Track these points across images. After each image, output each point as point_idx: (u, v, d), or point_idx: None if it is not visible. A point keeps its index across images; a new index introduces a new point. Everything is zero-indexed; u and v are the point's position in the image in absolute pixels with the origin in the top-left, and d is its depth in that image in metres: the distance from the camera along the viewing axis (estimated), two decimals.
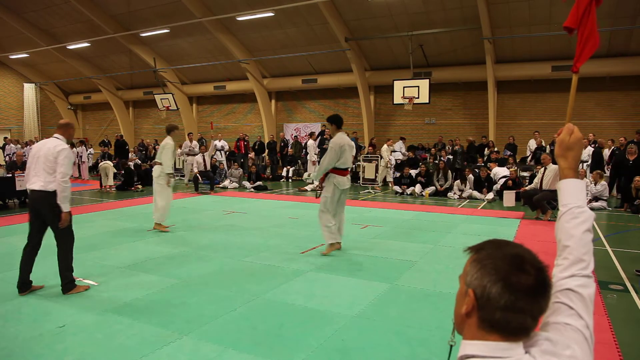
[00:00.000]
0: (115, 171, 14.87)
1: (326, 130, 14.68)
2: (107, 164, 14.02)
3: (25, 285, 4.62)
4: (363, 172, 14.99)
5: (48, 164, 4.54)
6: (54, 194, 4.53)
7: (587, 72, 14.26)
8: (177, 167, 18.62)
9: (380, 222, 8.48)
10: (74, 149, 16.53)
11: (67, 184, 4.58)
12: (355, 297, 4.52)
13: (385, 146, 14.67)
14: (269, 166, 17.59)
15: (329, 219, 6.13)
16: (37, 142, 19.33)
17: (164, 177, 7.82)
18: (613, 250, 6.58)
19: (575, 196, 1.25)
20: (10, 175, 10.63)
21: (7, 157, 19.28)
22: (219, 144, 17.34)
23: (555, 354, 0.97)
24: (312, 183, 6.50)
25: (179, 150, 17.86)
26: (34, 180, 4.57)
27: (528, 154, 14.51)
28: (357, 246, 6.61)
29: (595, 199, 10.57)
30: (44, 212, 4.55)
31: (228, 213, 9.58)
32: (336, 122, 6.32)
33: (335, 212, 6.21)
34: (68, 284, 4.64)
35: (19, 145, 19.20)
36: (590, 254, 1.18)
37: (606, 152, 13.18)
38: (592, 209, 1.33)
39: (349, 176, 6.31)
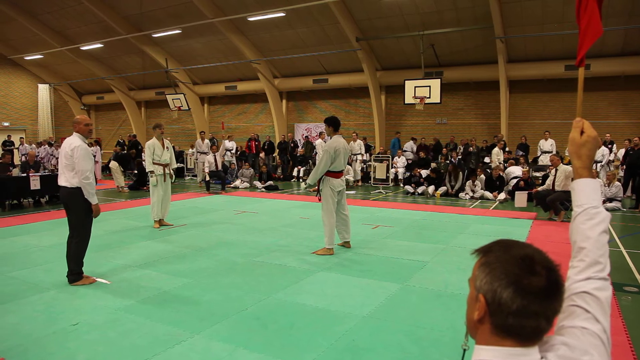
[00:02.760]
0: (123, 170, 14.91)
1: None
2: (114, 165, 14.05)
3: (74, 276, 4.87)
4: (374, 172, 14.96)
5: (66, 162, 4.87)
6: (77, 189, 4.86)
7: (601, 71, 14.10)
8: (188, 167, 18.77)
9: (391, 222, 8.45)
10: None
11: (89, 180, 4.86)
12: (366, 297, 4.51)
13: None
14: (279, 166, 17.63)
15: (332, 223, 6.18)
16: (51, 141, 19.62)
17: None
18: (627, 252, 6.50)
19: (590, 196, 1.22)
20: (25, 175, 10.73)
21: (23, 157, 19.51)
22: (228, 144, 17.41)
23: None
24: (306, 185, 6.55)
25: (191, 150, 17.97)
26: (60, 177, 4.97)
27: (539, 154, 14.37)
28: (368, 246, 6.60)
29: (610, 199, 10.43)
30: (70, 205, 4.91)
31: (239, 213, 9.62)
32: (333, 124, 6.30)
33: (337, 213, 6.28)
34: (75, 275, 4.87)
35: (33, 145, 19.42)
36: (607, 256, 1.15)
37: (621, 152, 13.00)
38: (606, 209, 1.32)
39: (343, 177, 6.34)
